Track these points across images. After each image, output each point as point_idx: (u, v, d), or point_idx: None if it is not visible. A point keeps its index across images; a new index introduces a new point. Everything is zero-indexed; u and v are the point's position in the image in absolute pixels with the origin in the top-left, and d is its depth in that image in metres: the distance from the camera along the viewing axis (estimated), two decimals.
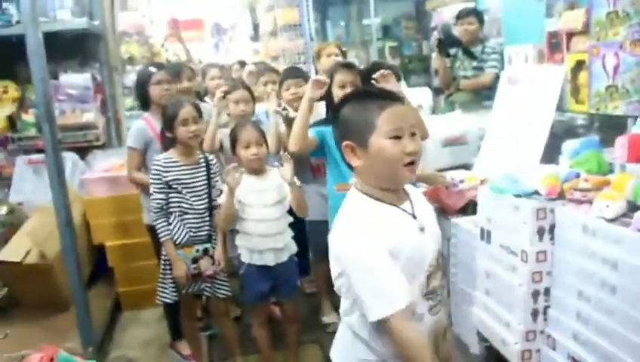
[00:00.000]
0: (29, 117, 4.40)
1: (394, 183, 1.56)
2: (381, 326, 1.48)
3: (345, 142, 1.57)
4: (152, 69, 3.32)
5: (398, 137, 1.49)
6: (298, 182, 2.80)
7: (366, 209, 1.58)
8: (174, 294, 2.97)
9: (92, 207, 4.03)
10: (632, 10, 2.58)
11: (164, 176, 2.83)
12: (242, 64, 5.39)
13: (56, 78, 4.42)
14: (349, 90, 2.82)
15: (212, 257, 2.93)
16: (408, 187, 1.71)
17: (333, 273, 1.61)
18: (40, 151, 4.14)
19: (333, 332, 3.42)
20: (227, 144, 3.36)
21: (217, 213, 2.91)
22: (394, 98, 1.58)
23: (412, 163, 1.53)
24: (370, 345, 1.59)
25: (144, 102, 3.35)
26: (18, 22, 3.84)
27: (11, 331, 3.36)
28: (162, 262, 2.97)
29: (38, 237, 3.51)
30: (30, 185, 4.25)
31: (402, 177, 1.54)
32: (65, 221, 2.93)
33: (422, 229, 1.59)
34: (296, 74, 3.55)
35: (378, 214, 1.56)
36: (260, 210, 2.84)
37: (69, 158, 4.23)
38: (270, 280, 2.92)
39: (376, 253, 1.48)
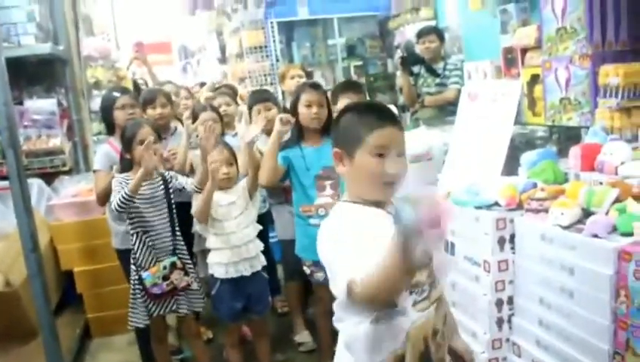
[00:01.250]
0: None
1: (374, 197, 1.58)
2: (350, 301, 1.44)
3: (335, 149, 1.62)
4: (116, 94, 3.32)
5: (381, 155, 1.53)
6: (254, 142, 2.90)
7: (350, 210, 1.60)
8: (146, 318, 2.94)
9: (59, 232, 3.98)
10: (578, 25, 2.71)
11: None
12: (202, 85, 5.42)
13: (21, 103, 4.38)
14: (314, 109, 2.88)
15: (182, 269, 2.93)
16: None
17: (329, 275, 1.62)
18: (4, 178, 4.08)
19: (306, 352, 3.47)
20: (198, 165, 3.39)
21: (194, 207, 2.93)
22: (391, 119, 1.60)
23: (392, 184, 1.54)
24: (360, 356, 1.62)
25: (109, 126, 3.35)
26: None
27: None
28: (132, 285, 2.95)
29: (3, 264, 3.45)
30: None
31: (381, 194, 1.56)
32: (31, 247, 2.89)
33: None
34: (264, 97, 3.58)
35: (362, 213, 1.58)
36: (230, 223, 2.89)
37: (35, 184, 4.17)
38: (243, 298, 2.94)
39: (354, 235, 1.49)
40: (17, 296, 3.40)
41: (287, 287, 3.68)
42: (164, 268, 2.88)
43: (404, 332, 1.56)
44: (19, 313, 3.45)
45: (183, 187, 2.99)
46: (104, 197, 3.16)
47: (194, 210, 2.93)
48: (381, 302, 1.46)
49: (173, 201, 2.98)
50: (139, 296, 2.91)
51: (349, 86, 3.25)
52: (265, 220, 3.43)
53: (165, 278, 2.87)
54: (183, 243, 3.00)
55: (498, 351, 2.35)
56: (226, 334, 3.15)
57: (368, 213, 1.58)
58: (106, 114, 3.31)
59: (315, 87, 3.03)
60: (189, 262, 3.02)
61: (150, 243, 2.89)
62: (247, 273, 2.89)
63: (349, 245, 1.50)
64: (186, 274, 2.93)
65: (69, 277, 3.99)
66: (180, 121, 3.88)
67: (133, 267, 2.91)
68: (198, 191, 2.93)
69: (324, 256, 1.60)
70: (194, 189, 2.95)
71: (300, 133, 2.95)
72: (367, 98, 3.19)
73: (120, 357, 3.74)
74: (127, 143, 2.88)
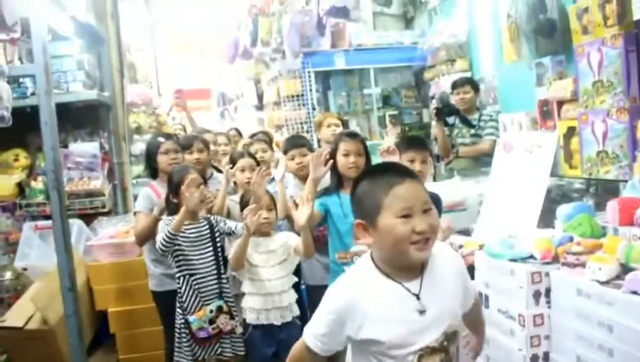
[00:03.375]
0: (37, 184, 4.49)
1: (405, 262, 1.53)
2: None
3: (357, 221, 1.59)
4: (161, 139, 3.44)
5: (407, 216, 1.48)
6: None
7: (364, 277, 1.59)
8: (191, 360, 2.96)
9: (96, 272, 4.06)
10: (615, 79, 2.71)
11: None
12: (238, 131, 5.54)
13: (66, 146, 4.55)
14: (352, 158, 2.93)
15: (228, 313, 2.95)
16: (440, 253, 1.64)
17: None
18: (47, 217, 4.21)
19: None
20: (234, 210, 3.45)
21: (230, 257, 2.95)
22: (404, 174, 1.56)
23: (425, 241, 1.50)
24: None
25: (152, 170, 3.45)
26: (33, 93, 4.02)
27: None
28: (177, 329, 2.97)
29: (40, 302, 3.52)
30: (36, 250, 4.28)
31: (412, 256, 1.50)
32: (68, 286, 2.97)
33: (422, 312, 1.53)
34: (299, 143, 3.62)
35: (371, 287, 1.56)
36: (267, 270, 2.91)
37: (75, 225, 4.28)
38: (274, 344, 2.94)
39: (331, 312, 1.58)
40: (53, 334, 3.46)
41: None
42: (211, 311, 2.91)
43: None
44: (54, 351, 3.50)
45: (233, 231, 3.03)
46: (143, 238, 3.23)
47: (230, 256, 2.97)
48: None
49: (219, 245, 3.02)
50: (184, 339, 2.93)
51: (411, 143, 3.10)
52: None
53: (211, 322, 2.90)
54: (228, 286, 3.03)
55: None
56: None
57: (381, 287, 1.55)
58: (150, 158, 3.42)
59: (353, 136, 3.09)
60: (234, 305, 3.03)
61: (196, 286, 2.93)
62: (277, 322, 2.90)
63: (323, 312, 1.60)
64: (232, 317, 2.95)
65: (104, 316, 4.04)
66: (215, 168, 3.98)
67: (179, 310, 2.94)
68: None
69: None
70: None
71: (338, 181, 2.99)
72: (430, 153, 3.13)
73: None
74: (175, 187, 2.96)
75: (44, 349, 3.49)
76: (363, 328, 1.53)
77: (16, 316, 3.46)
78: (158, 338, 3.53)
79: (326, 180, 3.08)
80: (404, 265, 1.55)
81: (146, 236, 3.20)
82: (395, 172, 1.57)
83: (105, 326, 4.03)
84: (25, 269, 4.08)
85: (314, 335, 1.62)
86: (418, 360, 1.53)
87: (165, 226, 2.88)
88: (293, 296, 2.98)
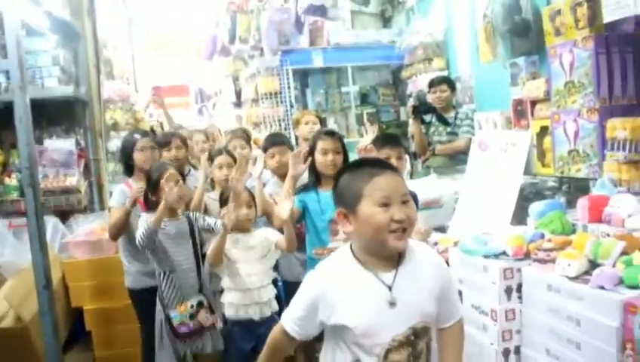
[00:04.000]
0: (11, 180, 4.43)
1: (383, 250, 1.58)
2: None
3: (338, 210, 1.64)
4: (137, 136, 3.42)
5: (386, 205, 1.53)
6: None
7: (340, 265, 1.64)
8: (172, 359, 2.95)
9: (71, 269, 4.02)
10: (586, 80, 2.77)
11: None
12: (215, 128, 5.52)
13: (41, 142, 4.49)
14: (330, 156, 2.96)
15: (208, 307, 2.95)
16: (416, 248, 1.68)
17: None
18: (22, 214, 4.15)
19: None
20: (212, 207, 3.45)
21: (208, 253, 2.96)
22: (384, 166, 1.63)
23: (403, 230, 1.55)
24: None
25: (128, 167, 3.43)
26: (7, 89, 3.96)
27: None
28: (158, 325, 2.96)
29: (14, 299, 3.48)
30: (9, 248, 4.23)
31: (390, 245, 1.54)
32: (43, 284, 2.93)
33: (392, 304, 1.57)
34: (279, 141, 3.64)
35: (346, 275, 1.61)
36: (246, 266, 2.92)
37: (51, 222, 4.24)
38: (253, 340, 2.95)
39: (307, 297, 1.65)
40: (27, 332, 3.42)
41: None
42: (192, 306, 2.91)
43: None
44: (28, 349, 3.46)
45: (212, 227, 3.03)
46: (115, 231, 3.21)
47: (208, 252, 2.97)
48: None
49: (199, 241, 3.02)
50: (166, 335, 2.92)
51: (386, 140, 3.20)
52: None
53: (192, 317, 2.90)
54: (208, 282, 3.03)
55: None
56: None
57: (354, 275, 1.60)
58: (126, 155, 3.40)
59: (331, 134, 3.11)
60: (214, 301, 3.04)
61: (177, 282, 2.92)
62: (256, 317, 2.91)
63: (299, 297, 1.67)
64: (212, 312, 2.96)
65: (79, 314, 4.01)
66: (192, 165, 3.97)
67: (159, 306, 2.93)
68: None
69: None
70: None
71: (316, 179, 3.02)
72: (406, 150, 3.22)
73: None
74: (154, 184, 2.95)
75: (19, 347, 3.45)
76: (334, 314, 1.59)
77: None
78: (134, 336, 3.51)
79: (304, 177, 3.11)
80: (382, 254, 1.60)
81: (119, 229, 3.19)
82: (375, 164, 1.64)
83: (80, 324, 4.00)
84: None
85: (291, 319, 1.69)
86: (385, 354, 1.57)
87: (144, 223, 2.87)
88: (272, 291, 3.00)
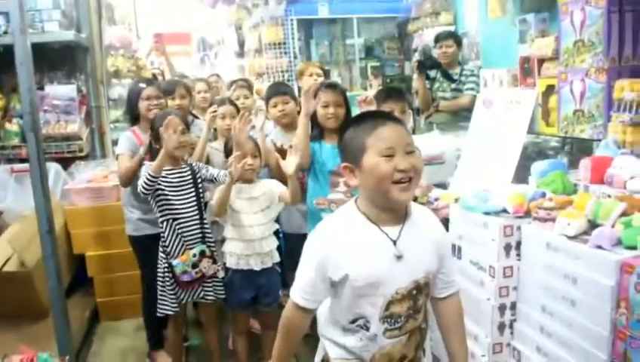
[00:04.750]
0: (12, 126, 4.42)
1: (387, 201, 1.57)
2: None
3: (343, 164, 1.63)
4: (142, 85, 3.39)
5: (390, 155, 1.52)
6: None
7: (345, 220, 1.65)
8: (175, 306, 3.00)
9: (73, 216, 4.06)
10: (596, 39, 2.72)
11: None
12: (218, 77, 5.46)
13: (42, 88, 4.46)
14: (331, 109, 2.94)
15: (210, 257, 2.99)
16: (419, 211, 1.71)
17: None
18: (23, 160, 4.16)
19: (307, 343, 3.54)
20: (215, 157, 3.44)
21: (212, 202, 2.97)
22: (387, 118, 1.63)
23: (408, 181, 1.54)
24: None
25: (133, 116, 3.41)
26: (6, 32, 3.90)
27: None
28: (160, 273, 2.99)
29: (18, 244, 3.53)
30: (12, 194, 4.26)
31: (394, 196, 1.54)
32: (46, 229, 2.95)
33: (398, 257, 1.59)
34: (282, 90, 3.57)
35: (351, 230, 1.62)
36: (248, 216, 2.94)
37: (52, 168, 4.25)
38: (253, 289, 3.00)
39: (313, 257, 1.63)
40: (30, 277, 3.49)
41: (289, 278, 3.73)
42: (194, 255, 2.94)
43: (370, 354, 1.64)
44: (31, 293, 3.53)
45: (215, 178, 3.04)
46: (127, 179, 3.22)
47: (212, 202, 2.98)
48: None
49: (201, 190, 3.03)
50: (168, 283, 2.96)
51: (390, 93, 3.18)
52: None
53: (194, 266, 2.93)
54: (210, 231, 3.06)
55: (498, 356, 2.38)
56: (234, 322, 3.20)
57: (359, 230, 1.61)
58: (131, 104, 3.37)
59: (332, 87, 3.08)
60: (216, 250, 3.07)
61: (180, 231, 2.94)
62: (257, 268, 2.95)
63: (305, 261, 1.65)
64: (214, 262, 2.99)
65: (81, 260, 4.07)
66: (193, 114, 3.95)
67: (162, 255, 2.96)
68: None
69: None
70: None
71: (320, 132, 3.01)
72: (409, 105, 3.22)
73: (127, 341, 3.82)
74: (157, 133, 2.94)
75: (22, 291, 3.52)
76: (342, 268, 1.58)
77: None
78: (135, 282, 3.58)
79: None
80: (387, 207, 1.60)
81: (130, 177, 3.19)
82: (378, 116, 1.64)
83: (82, 270, 4.07)
84: (1, 212, 4.06)
85: (299, 289, 1.65)
86: (387, 305, 1.60)
87: (146, 171, 2.88)
88: (273, 242, 3.03)
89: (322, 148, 2.97)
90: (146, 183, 2.82)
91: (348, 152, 1.62)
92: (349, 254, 1.58)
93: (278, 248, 3.08)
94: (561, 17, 2.98)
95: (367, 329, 1.62)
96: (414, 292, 1.62)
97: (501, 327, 2.36)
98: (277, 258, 3.04)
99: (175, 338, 3.23)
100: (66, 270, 3.86)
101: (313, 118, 3.00)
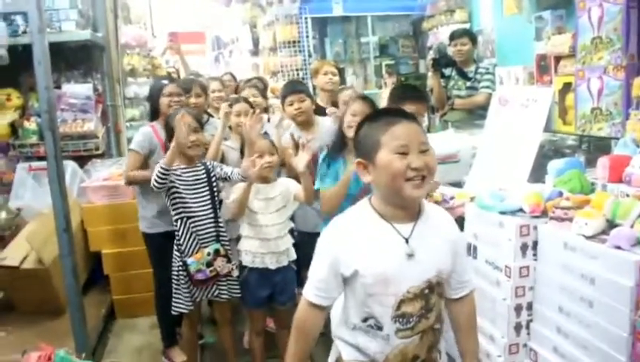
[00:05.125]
0: (30, 124, 4.48)
1: (400, 199, 1.57)
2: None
3: (357, 160, 1.64)
4: (165, 82, 3.42)
5: (404, 153, 1.53)
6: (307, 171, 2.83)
7: (358, 216, 1.65)
8: (189, 304, 3.02)
9: (90, 214, 4.10)
10: (614, 36, 2.69)
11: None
12: (232, 76, 5.48)
13: (59, 87, 4.50)
14: (358, 118, 2.83)
15: (225, 256, 2.99)
16: (433, 209, 1.72)
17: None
18: (41, 158, 4.21)
19: (321, 343, 3.55)
20: (229, 155, 3.45)
21: (229, 203, 2.97)
22: (402, 115, 1.62)
23: (421, 178, 1.54)
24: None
25: (154, 111, 3.44)
26: (24, 32, 3.95)
27: (6, 334, 3.41)
28: (175, 271, 3.01)
29: (36, 242, 3.57)
30: (30, 191, 4.31)
31: (406, 193, 1.53)
32: (63, 227, 2.99)
33: (410, 255, 1.58)
34: (298, 88, 3.55)
35: (363, 226, 1.62)
36: (265, 216, 2.95)
37: (69, 166, 4.30)
38: (269, 287, 3.00)
39: (325, 253, 1.64)
40: (48, 274, 3.53)
41: (304, 278, 3.73)
42: (209, 254, 2.95)
43: (383, 355, 1.62)
44: (49, 290, 3.58)
45: (229, 176, 3.05)
46: (129, 183, 3.27)
47: (229, 201, 2.98)
48: None
49: (215, 189, 3.04)
50: (182, 281, 2.98)
51: (408, 93, 3.04)
52: None
53: (209, 265, 2.94)
54: (225, 230, 3.07)
55: (515, 356, 2.37)
56: (250, 321, 3.21)
57: (371, 227, 1.61)
58: (153, 100, 3.42)
59: (364, 98, 3.00)
60: (230, 249, 3.08)
61: (194, 229, 2.95)
62: (272, 266, 2.95)
63: (318, 257, 1.66)
64: (229, 261, 3.00)
65: (97, 258, 4.10)
66: (208, 113, 3.96)
67: (176, 253, 2.98)
68: (244, 181, 2.98)
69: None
70: (240, 179, 3.00)
71: (342, 146, 2.86)
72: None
73: (142, 338, 3.85)
74: (170, 131, 2.96)
75: (40, 288, 3.57)
76: (353, 264, 1.59)
77: (12, 255, 3.52)
78: (151, 280, 3.60)
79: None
80: (400, 204, 1.59)
81: (133, 183, 3.27)
82: (393, 113, 1.64)
83: (99, 267, 4.10)
84: (19, 209, 4.11)
85: (312, 287, 1.66)
86: (398, 304, 1.59)
87: (158, 166, 2.89)
88: (289, 241, 3.03)
89: (346, 169, 2.79)
90: (158, 177, 2.83)
91: (362, 148, 1.63)
92: (360, 250, 1.59)
93: (294, 246, 3.08)
94: (578, 14, 2.95)
95: (380, 328, 1.61)
96: (426, 291, 1.61)
97: (517, 328, 2.34)
98: (293, 256, 3.04)
99: (190, 336, 3.24)
100: (83, 267, 3.90)
101: (339, 129, 2.91)
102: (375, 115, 1.68)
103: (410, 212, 1.63)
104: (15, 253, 3.54)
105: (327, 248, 1.64)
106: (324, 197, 2.80)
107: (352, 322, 1.66)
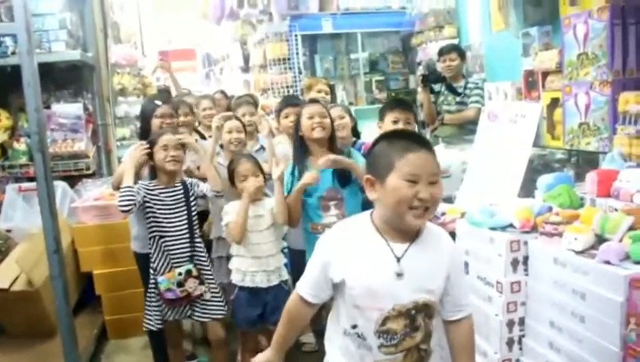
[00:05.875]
0: (20, 145, 4.47)
1: (400, 224, 1.59)
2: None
3: (367, 176, 1.66)
4: (158, 103, 3.43)
5: (414, 181, 1.55)
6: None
7: (356, 227, 1.68)
8: (159, 322, 3.01)
9: (81, 234, 4.07)
10: (600, 52, 2.73)
11: (140, 194, 2.93)
12: (224, 93, 5.49)
13: (48, 107, 4.50)
14: (317, 119, 2.86)
15: (197, 277, 2.98)
16: (435, 232, 1.72)
17: None
18: (31, 179, 4.20)
19: (310, 352, 3.55)
20: (221, 171, 3.45)
21: (225, 226, 2.98)
22: (422, 144, 1.62)
23: (425, 209, 1.57)
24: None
25: (145, 131, 3.43)
26: (13, 53, 3.95)
27: None
28: (148, 289, 3.01)
29: (25, 263, 3.55)
30: (19, 212, 4.29)
31: (407, 220, 1.57)
32: (53, 249, 2.96)
33: (399, 275, 1.60)
34: (294, 102, 3.62)
35: (359, 238, 1.64)
36: (255, 235, 2.95)
37: (59, 186, 4.28)
38: (260, 306, 3.00)
39: (320, 255, 1.70)
40: (39, 296, 3.50)
41: None
42: (180, 274, 2.94)
43: None
44: (39, 312, 3.54)
45: (204, 193, 3.06)
46: (117, 184, 3.29)
47: (229, 227, 2.96)
48: None
49: (194, 209, 3.04)
50: (154, 299, 2.98)
51: (396, 103, 3.24)
52: None
53: (180, 285, 2.93)
54: (202, 251, 3.06)
55: None
56: (242, 340, 3.20)
57: (367, 240, 1.63)
58: (144, 120, 3.43)
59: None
60: (208, 270, 3.06)
61: (166, 249, 2.95)
62: (263, 285, 2.95)
63: (312, 260, 1.71)
64: (202, 283, 2.99)
65: (89, 278, 4.07)
66: (197, 132, 3.97)
67: (151, 271, 2.98)
68: (217, 196, 2.99)
69: None
70: (214, 194, 3.01)
71: (305, 150, 2.94)
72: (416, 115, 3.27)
73: (134, 359, 3.82)
74: (152, 148, 2.98)
75: (30, 310, 3.53)
76: (341, 271, 1.63)
77: (1, 277, 3.49)
78: (143, 300, 3.57)
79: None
80: (399, 227, 1.62)
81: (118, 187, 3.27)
82: (413, 140, 1.64)
83: (90, 288, 4.07)
84: (9, 231, 4.08)
85: (305, 283, 1.73)
86: (383, 320, 1.61)
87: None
88: (281, 259, 3.03)
89: (310, 172, 2.84)
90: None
91: (374, 166, 1.65)
92: (351, 261, 1.62)
93: (286, 265, 3.08)
94: (563, 30, 2.99)
95: (365, 339, 1.64)
96: (413, 311, 1.63)
97: (510, 343, 2.34)
98: (285, 276, 3.04)
99: (175, 355, 3.23)
100: (74, 288, 3.87)
101: (299, 137, 2.96)
102: (395, 136, 1.69)
103: (408, 233, 1.65)
104: (5, 275, 3.51)
105: (323, 250, 1.70)
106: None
107: (342, 327, 1.69)
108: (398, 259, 1.61)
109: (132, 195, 2.85)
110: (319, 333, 3.61)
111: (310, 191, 2.88)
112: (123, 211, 2.89)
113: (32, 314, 3.54)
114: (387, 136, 1.71)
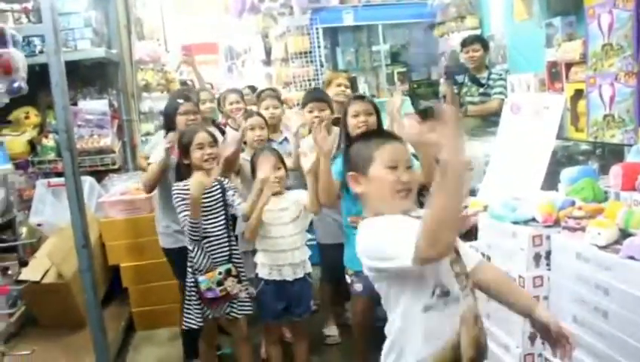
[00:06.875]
0: (48, 141, 4.56)
1: (391, 208, 1.71)
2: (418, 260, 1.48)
3: (349, 173, 1.80)
4: (180, 100, 3.47)
5: (394, 167, 1.71)
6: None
7: (377, 219, 1.71)
8: (199, 320, 3.05)
9: (108, 228, 4.16)
10: (625, 42, 2.69)
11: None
12: (252, 88, 5.53)
13: (75, 104, 4.58)
14: (362, 118, 2.94)
15: (236, 276, 3.02)
16: None
17: (371, 278, 1.74)
18: (59, 174, 4.28)
19: (333, 344, 3.58)
20: (245, 168, 3.49)
21: (245, 225, 3.02)
22: (392, 137, 1.82)
23: (408, 190, 1.71)
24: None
25: (169, 129, 3.48)
26: (41, 51, 4.03)
27: (28, 349, 3.46)
28: (188, 288, 3.05)
29: (56, 257, 3.64)
30: (49, 207, 4.39)
31: (397, 203, 1.70)
32: (82, 242, 3.04)
33: None
34: (320, 96, 3.64)
35: (389, 216, 1.69)
36: (278, 228, 2.99)
37: (87, 181, 4.37)
38: (285, 299, 3.04)
39: (390, 223, 1.65)
40: (68, 288, 3.59)
41: (322, 287, 3.77)
42: (220, 273, 2.97)
43: (457, 317, 1.63)
44: (69, 304, 3.63)
45: (234, 206, 3.06)
46: (150, 188, 3.43)
47: (245, 227, 3.01)
48: (447, 236, 1.44)
49: (230, 208, 3.07)
50: (194, 298, 3.02)
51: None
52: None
53: (220, 284, 2.97)
54: (238, 250, 3.10)
55: None
56: (266, 332, 3.24)
57: (394, 216, 1.70)
58: (168, 118, 3.47)
59: (361, 98, 3.11)
60: (243, 269, 3.11)
61: (208, 249, 2.99)
62: (289, 278, 2.99)
63: (394, 229, 1.62)
64: (239, 281, 3.03)
65: (116, 271, 4.16)
66: (217, 125, 4.02)
67: (189, 270, 3.02)
68: (244, 220, 3.01)
69: (369, 254, 1.68)
70: (242, 216, 3.02)
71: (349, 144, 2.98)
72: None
73: (162, 351, 3.89)
74: (185, 149, 3.00)
75: (60, 302, 3.63)
76: None
77: (33, 271, 3.59)
78: (169, 292, 3.66)
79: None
80: (392, 211, 1.71)
81: (153, 185, 3.38)
82: (384, 135, 1.89)
83: (117, 280, 4.16)
84: (40, 225, 4.19)
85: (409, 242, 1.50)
86: (451, 265, 1.66)
87: (181, 201, 2.91)
88: (306, 252, 3.06)
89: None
90: (190, 231, 2.89)
91: (354, 162, 1.80)
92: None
93: (310, 258, 3.11)
94: (588, 20, 2.96)
95: (448, 294, 1.63)
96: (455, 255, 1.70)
97: (532, 337, 2.34)
98: (309, 268, 3.08)
99: (207, 351, 3.28)
100: (102, 281, 3.96)
101: (344, 130, 3.02)
102: (367, 135, 1.93)
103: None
104: (36, 269, 3.60)
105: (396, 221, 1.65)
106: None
107: (421, 305, 1.62)
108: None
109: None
110: (343, 327, 3.68)
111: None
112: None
113: (62, 305, 3.64)
114: (360, 137, 1.94)
